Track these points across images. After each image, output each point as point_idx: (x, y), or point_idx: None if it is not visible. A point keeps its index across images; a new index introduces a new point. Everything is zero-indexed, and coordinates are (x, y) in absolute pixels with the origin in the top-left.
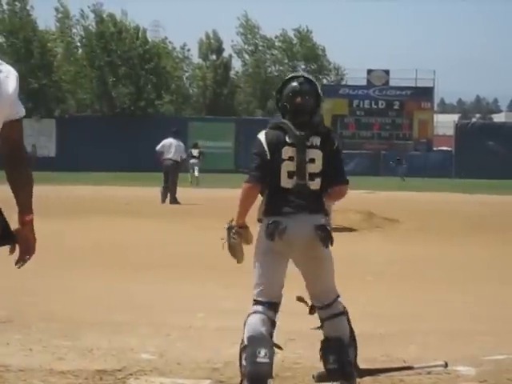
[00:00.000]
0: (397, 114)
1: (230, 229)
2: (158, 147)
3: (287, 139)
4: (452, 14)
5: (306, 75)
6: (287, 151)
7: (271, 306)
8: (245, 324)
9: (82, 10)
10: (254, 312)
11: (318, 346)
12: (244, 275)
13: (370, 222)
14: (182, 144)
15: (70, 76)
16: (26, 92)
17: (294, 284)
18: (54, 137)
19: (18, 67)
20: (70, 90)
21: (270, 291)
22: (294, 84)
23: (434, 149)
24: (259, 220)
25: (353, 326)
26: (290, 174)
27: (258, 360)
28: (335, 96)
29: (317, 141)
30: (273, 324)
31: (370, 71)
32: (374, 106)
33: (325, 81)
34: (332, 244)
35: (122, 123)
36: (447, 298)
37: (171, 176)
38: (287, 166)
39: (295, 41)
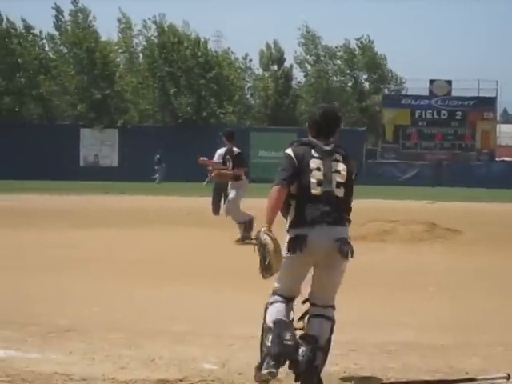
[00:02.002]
0: (459, 125)
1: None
2: (216, 159)
3: (313, 153)
4: None
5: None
6: (315, 163)
7: (291, 299)
8: (266, 309)
9: (145, 21)
10: (276, 301)
11: (380, 357)
12: (306, 287)
13: (433, 233)
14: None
15: (133, 86)
16: (88, 102)
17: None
18: (117, 147)
19: (81, 78)
20: (133, 101)
21: (290, 289)
22: (326, 110)
23: (497, 159)
24: (287, 231)
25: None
26: (319, 183)
27: (285, 342)
28: (397, 106)
29: (340, 157)
30: (293, 312)
31: (432, 81)
32: (436, 117)
33: (386, 91)
34: (352, 256)
35: (184, 133)
36: (509, 309)
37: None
38: (315, 176)
39: (357, 51)
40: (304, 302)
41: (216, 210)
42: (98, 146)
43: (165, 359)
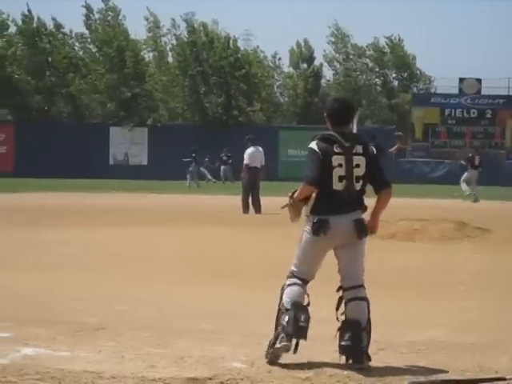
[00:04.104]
0: (489, 123)
1: (291, 196)
2: (247, 160)
3: (335, 149)
4: None
5: (343, 97)
6: (336, 160)
7: (306, 281)
8: (282, 291)
9: (174, 20)
10: (293, 284)
11: (408, 356)
12: (334, 284)
13: (462, 232)
14: (261, 150)
15: (162, 85)
16: (118, 101)
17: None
18: (147, 145)
19: (111, 76)
20: (162, 99)
21: (308, 273)
22: (337, 103)
23: None
24: (307, 216)
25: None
26: (341, 178)
27: (300, 324)
28: (427, 105)
29: (360, 149)
30: (307, 295)
31: (461, 80)
32: (465, 115)
33: (415, 89)
34: (366, 236)
35: (214, 132)
36: None
37: (257, 184)
38: (338, 172)
39: (386, 49)
40: (338, 290)
41: (246, 208)
42: (128, 144)
43: (194, 357)
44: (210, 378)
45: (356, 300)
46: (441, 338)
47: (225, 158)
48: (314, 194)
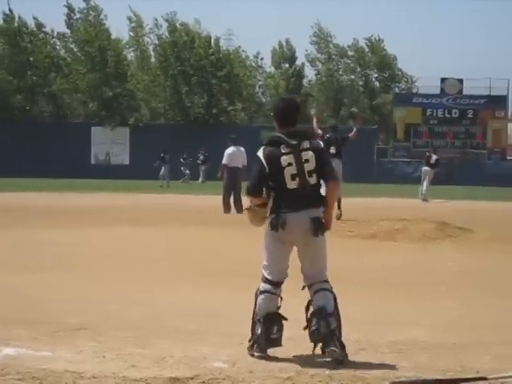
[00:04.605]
0: (470, 123)
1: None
2: (225, 160)
3: (283, 150)
4: None
5: (290, 96)
6: (285, 159)
7: (278, 284)
8: (256, 296)
9: (156, 19)
10: (266, 291)
11: (390, 356)
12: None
13: (444, 232)
14: (243, 150)
15: (144, 85)
16: (100, 101)
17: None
18: (128, 145)
19: (93, 76)
20: (144, 99)
21: (277, 272)
22: (283, 103)
23: (508, 158)
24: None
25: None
26: (293, 177)
27: (272, 336)
28: (408, 105)
29: (307, 144)
30: (280, 299)
31: (443, 80)
32: (447, 115)
33: (397, 89)
34: (323, 234)
35: (195, 132)
36: None
37: (238, 184)
38: (289, 171)
39: (367, 50)
40: (303, 288)
41: (227, 208)
42: (109, 144)
43: (175, 358)
44: (192, 378)
45: (321, 291)
46: (422, 338)
47: (202, 157)
48: (271, 198)
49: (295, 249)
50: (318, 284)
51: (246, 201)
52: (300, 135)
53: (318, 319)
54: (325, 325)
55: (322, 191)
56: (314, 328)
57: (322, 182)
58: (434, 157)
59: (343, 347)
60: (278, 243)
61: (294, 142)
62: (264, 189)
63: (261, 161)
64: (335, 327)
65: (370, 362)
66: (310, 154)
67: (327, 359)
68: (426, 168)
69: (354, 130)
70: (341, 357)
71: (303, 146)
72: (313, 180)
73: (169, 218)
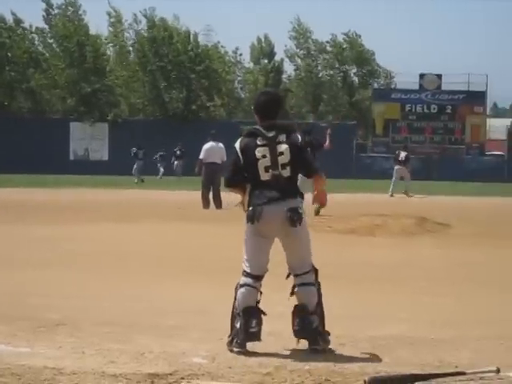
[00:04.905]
0: (449, 119)
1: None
2: (202, 155)
3: (258, 142)
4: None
5: (272, 90)
6: (260, 151)
7: (258, 278)
8: (236, 290)
9: (135, 15)
10: (245, 284)
11: (369, 351)
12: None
13: (423, 227)
14: (222, 146)
15: (123, 80)
16: (78, 96)
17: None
18: (107, 141)
19: (71, 71)
20: (123, 95)
21: (257, 266)
22: (264, 96)
23: (487, 153)
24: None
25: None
26: (267, 168)
27: (251, 330)
28: (387, 100)
29: (283, 137)
30: (259, 293)
31: (422, 75)
32: (426, 111)
33: (375, 85)
34: (300, 224)
35: (175, 127)
36: (500, 302)
37: (216, 180)
38: (263, 163)
39: (345, 45)
40: (287, 277)
41: (206, 204)
42: (88, 139)
43: (154, 353)
44: (171, 374)
45: (303, 286)
46: (401, 333)
47: (178, 152)
48: (247, 190)
49: (278, 243)
50: (301, 276)
51: (227, 195)
52: (278, 128)
53: (301, 319)
54: (307, 324)
55: (300, 183)
56: (296, 328)
57: (299, 176)
58: (403, 154)
59: (326, 342)
60: (257, 236)
61: (271, 135)
62: (241, 180)
63: (236, 152)
64: (317, 325)
65: (350, 357)
66: (284, 147)
67: (307, 354)
68: (397, 167)
69: (328, 141)
70: (323, 350)
71: (279, 138)
72: (286, 173)
73: (149, 214)
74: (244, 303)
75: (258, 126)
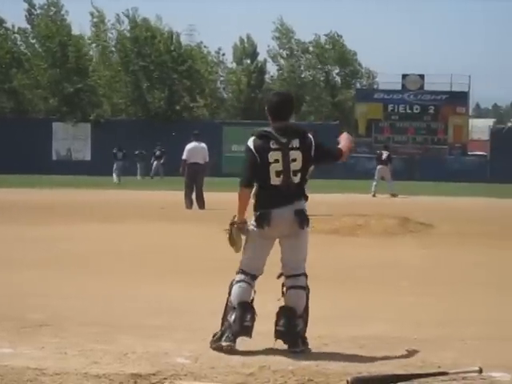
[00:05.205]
0: (432, 119)
1: (232, 224)
2: (185, 156)
3: (272, 145)
4: (488, 19)
5: (285, 91)
6: (273, 155)
7: (254, 277)
8: (231, 286)
9: (118, 15)
10: (241, 281)
11: (352, 351)
12: (277, 281)
13: (405, 227)
14: (205, 146)
15: (106, 80)
16: (61, 96)
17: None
18: (90, 141)
19: (54, 72)
20: (106, 95)
21: (255, 266)
22: (277, 97)
23: (469, 153)
24: (254, 210)
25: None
26: (278, 173)
27: (245, 324)
28: (370, 100)
29: (296, 143)
30: (254, 292)
31: (404, 76)
32: (408, 111)
33: (358, 85)
34: (308, 225)
35: (157, 127)
36: (482, 302)
37: (199, 180)
38: (274, 167)
39: (327, 46)
40: (279, 277)
41: (189, 204)
42: (71, 139)
43: (137, 353)
44: (154, 374)
45: (295, 288)
46: (384, 333)
47: (158, 153)
48: (254, 192)
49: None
50: (293, 278)
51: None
52: (291, 132)
53: (286, 320)
54: (292, 327)
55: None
56: (280, 329)
57: (306, 179)
58: (385, 153)
59: (306, 344)
60: (261, 239)
61: (284, 140)
62: (257, 180)
63: (251, 151)
64: (301, 328)
65: (332, 357)
66: (297, 154)
67: (290, 355)
68: (379, 166)
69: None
70: (302, 352)
71: (293, 144)
72: (297, 179)
73: (133, 214)
74: (240, 297)
75: (270, 129)
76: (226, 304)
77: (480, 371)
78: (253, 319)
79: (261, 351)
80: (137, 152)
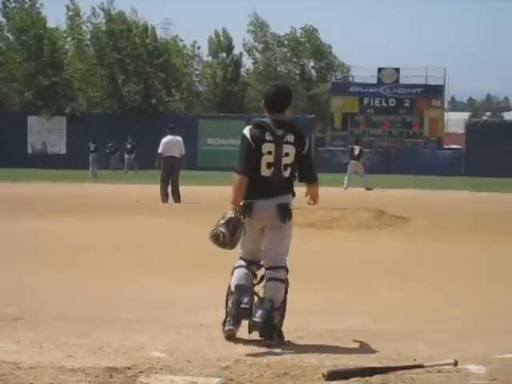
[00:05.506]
0: (407, 112)
1: (231, 219)
2: (161, 149)
3: (267, 137)
4: (462, 12)
5: (282, 83)
6: (266, 147)
7: (252, 262)
8: (232, 273)
9: (94, 8)
10: (240, 266)
11: (328, 344)
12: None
13: (381, 220)
14: (180, 139)
15: (81, 74)
16: (36, 90)
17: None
18: (65, 134)
19: (29, 65)
20: (81, 88)
21: (251, 254)
22: (273, 89)
23: (445, 147)
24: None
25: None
26: (269, 165)
27: (242, 306)
28: (345, 94)
29: (291, 138)
30: (255, 276)
31: (380, 69)
32: (384, 104)
33: (333, 78)
34: (290, 220)
35: (133, 121)
36: (457, 296)
37: (175, 173)
38: (266, 159)
39: (302, 39)
40: (259, 268)
41: (164, 197)
42: (46, 133)
43: (113, 347)
44: (129, 368)
45: (274, 280)
46: (360, 326)
47: (129, 146)
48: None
49: None
50: (273, 270)
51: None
52: (288, 127)
53: (263, 312)
54: (268, 319)
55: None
56: (257, 320)
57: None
58: (357, 148)
59: (281, 337)
60: (250, 227)
61: (280, 133)
62: (252, 169)
63: (247, 139)
64: (278, 321)
65: (308, 350)
66: (290, 149)
67: (266, 348)
68: (353, 161)
69: None
70: (277, 345)
71: (287, 138)
72: (287, 173)
73: (108, 208)
74: (237, 281)
75: (266, 120)
76: (228, 290)
77: (455, 364)
78: (250, 301)
79: (236, 344)
80: (110, 144)
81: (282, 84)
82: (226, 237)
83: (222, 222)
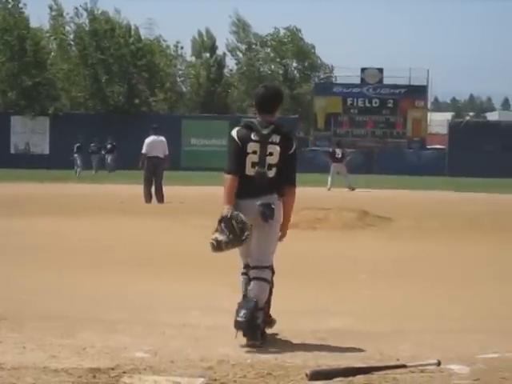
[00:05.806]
0: (390, 113)
1: (226, 219)
2: (144, 149)
3: (252, 137)
4: (446, 13)
5: (273, 84)
6: (252, 146)
7: (248, 266)
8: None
9: (77, 8)
10: (242, 273)
11: (311, 344)
12: (238, 274)
13: (364, 221)
14: (164, 140)
15: (64, 74)
16: (19, 90)
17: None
18: (48, 134)
19: (11, 65)
20: (64, 88)
21: (245, 256)
22: (263, 90)
23: (428, 147)
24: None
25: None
26: (253, 165)
27: (238, 319)
28: (329, 94)
29: (277, 138)
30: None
31: (363, 69)
32: (367, 105)
33: (316, 79)
34: (272, 219)
35: (116, 121)
36: (440, 295)
37: (158, 174)
38: (251, 158)
39: (285, 39)
40: (245, 267)
41: (148, 198)
42: (29, 133)
43: (96, 348)
44: (113, 368)
45: (258, 280)
46: (343, 327)
47: (109, 146)
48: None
49: None
50: (258, 270)
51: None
52: (274, 128)
53: (247, 311)
54: (252, 319)
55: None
56: (240, 319)
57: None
58: (339, 151)
59: (264, 337)
60: None
61: (265, 132)
62: (241, 169)
63: (235, 140)
64: (261, 321)
65: (292, 351)
66: (275, 148)
67: (249, 348)
68: (335, 164)
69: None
70: (261, 345)
71: (272, 138)
72: (271, 173)
73: (91, 208)
74: (242, 291)
75: (254, 120)
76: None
77: (438, 364)
78: (246, 315)
79: (220, 345)
80: (93, 144)
81: (271, 85)
82: (220, 241)
83: (217, 227)
